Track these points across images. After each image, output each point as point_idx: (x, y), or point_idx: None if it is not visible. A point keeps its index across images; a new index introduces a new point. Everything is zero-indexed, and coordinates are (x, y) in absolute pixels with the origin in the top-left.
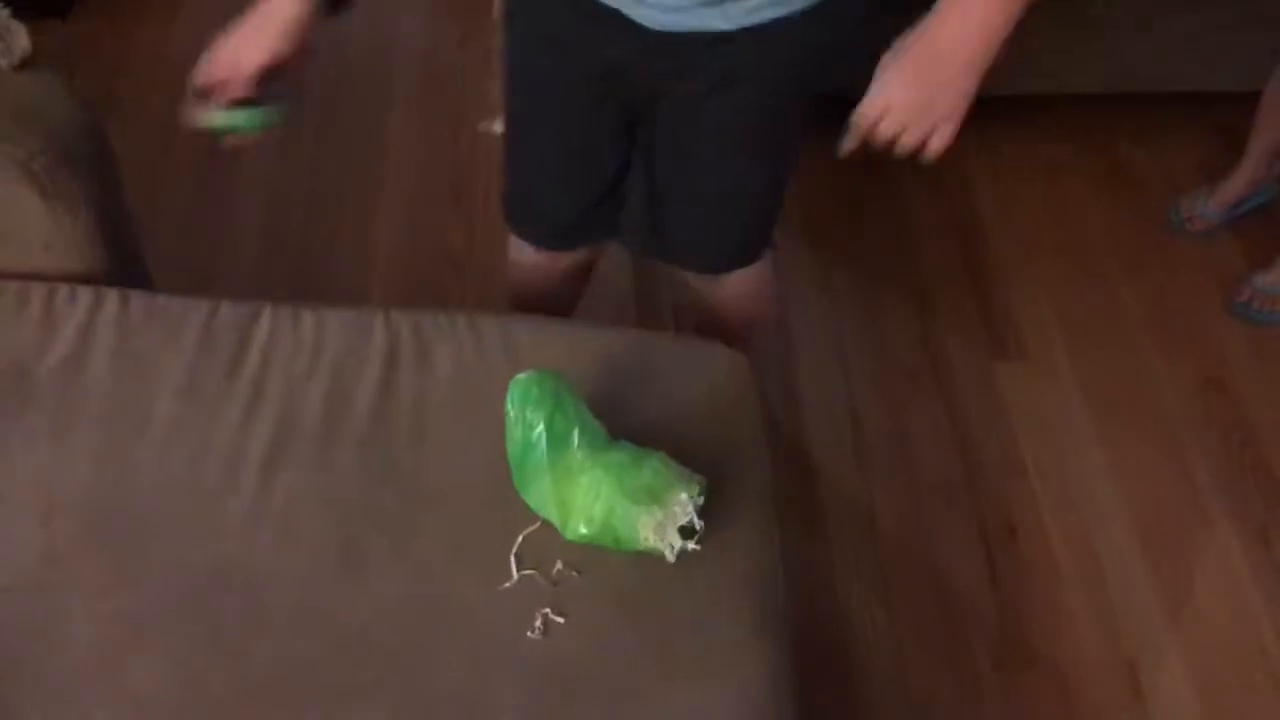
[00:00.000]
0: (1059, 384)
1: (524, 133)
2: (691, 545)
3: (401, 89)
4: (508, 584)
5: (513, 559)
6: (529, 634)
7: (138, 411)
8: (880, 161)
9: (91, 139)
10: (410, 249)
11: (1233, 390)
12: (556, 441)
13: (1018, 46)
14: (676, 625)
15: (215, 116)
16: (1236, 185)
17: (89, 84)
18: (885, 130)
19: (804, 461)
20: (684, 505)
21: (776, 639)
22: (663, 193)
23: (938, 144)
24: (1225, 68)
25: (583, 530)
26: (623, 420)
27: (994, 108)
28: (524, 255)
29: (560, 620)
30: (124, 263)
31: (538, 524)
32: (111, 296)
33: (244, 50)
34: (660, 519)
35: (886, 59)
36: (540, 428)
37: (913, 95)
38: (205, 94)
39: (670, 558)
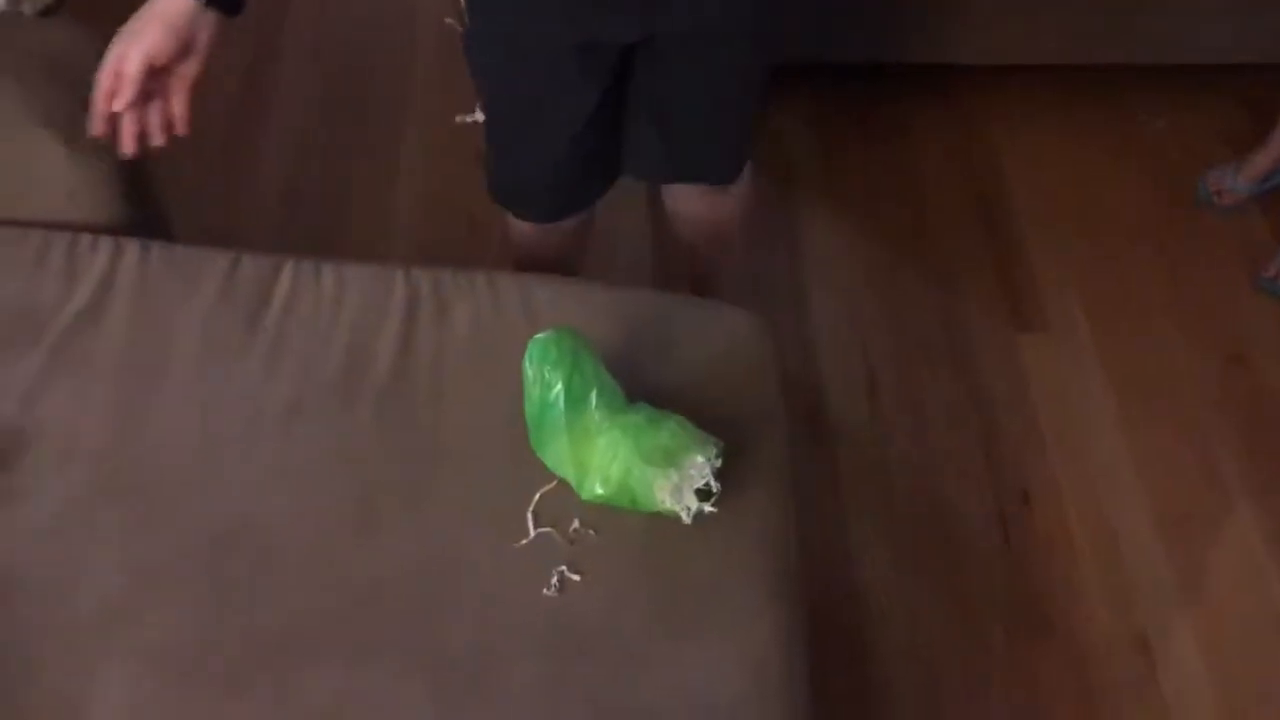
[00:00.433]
0: (1080, 357)
1: (503, 122)
2: (708, 508)
3: (424, 47)
4: (524, 541)
5: (530, 516)
6: (545, 591)
7: (157, 362)
8: (903, 131)
9: None
10: (430, 207)
11: (1255, 367)
12: (574, 401)
13: (1045, 17)
14: (691, 586)
15: None
16: (1266, 159)
17: (112, 32)
18: None
19: (821, 427)
20: (700, 468)
21: (790, 603)
22: (667, 115)
23: None
24: (1255, 38)
25: (599, 491)
26: (640, 382)
27: (1017, 77)
28: (523, 224)
29: (576, 578)
30: (145, 213)
31: (555, 483)
32: (133, 247)
33: (128, 52)
34: (676, 481)
35: None
36: (558, 387)
37: None
38: (102, 104)
39: (686, 520)
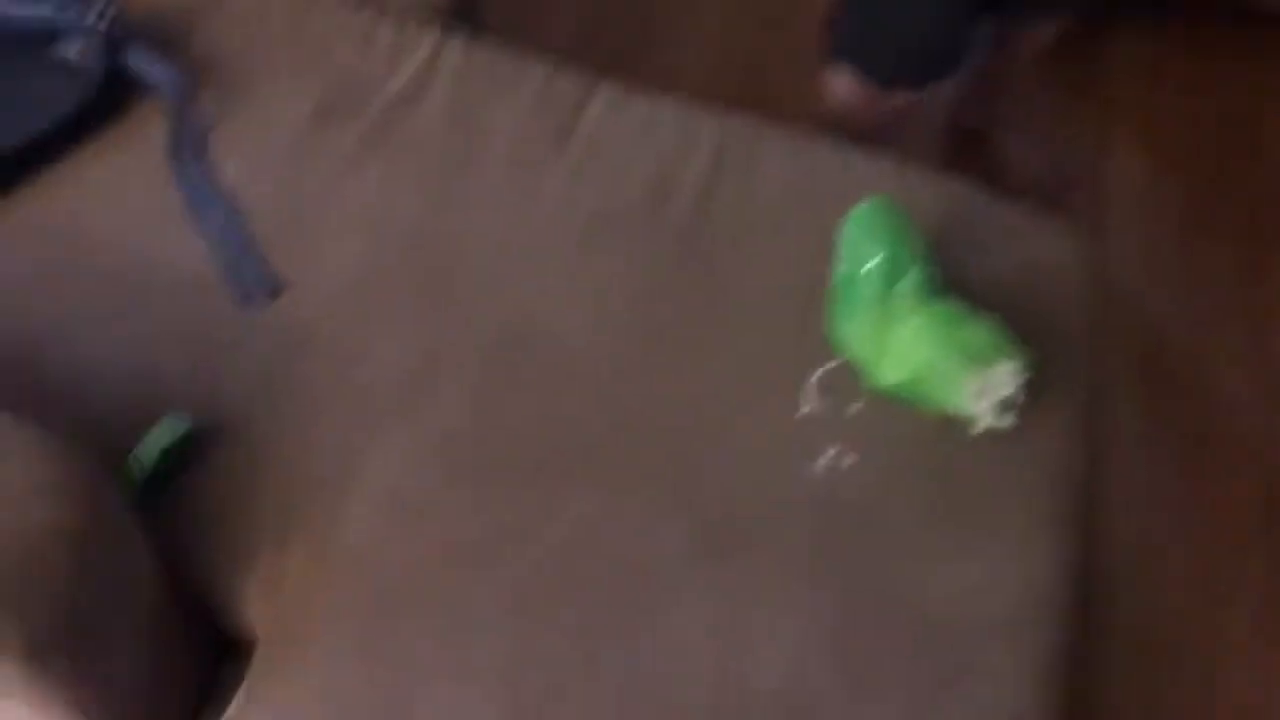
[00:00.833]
0: None
1: None
2: (1007, 420)
3: None
4: (804, 411)
5: (812, 388)
6: (815, 465)
7: (467, 156)
8: (1256, 89)
9: None
10: (739, 36)
11: None
12: (888, 279)
13: None
14: (968, 497)
15: None
16: None
17: None
18: None
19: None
20: (1010, 375)
21: (1073, 535)
22: None
23: None
24: None
25: (893, 377)
26: (945, 276)
27: None
28: (842, 90)
29: (849, 462)
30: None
31: (840, 361)
32: (455, 44)
33: None
34: (981, 384)
35: None
36: (875, 262)
37: None
38: None
39: (986, 424)
